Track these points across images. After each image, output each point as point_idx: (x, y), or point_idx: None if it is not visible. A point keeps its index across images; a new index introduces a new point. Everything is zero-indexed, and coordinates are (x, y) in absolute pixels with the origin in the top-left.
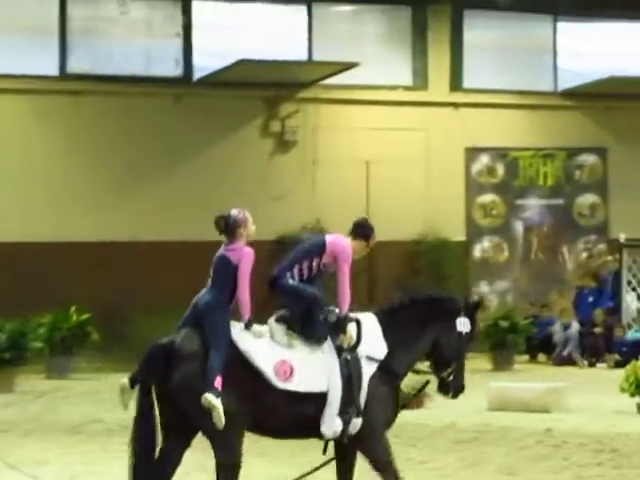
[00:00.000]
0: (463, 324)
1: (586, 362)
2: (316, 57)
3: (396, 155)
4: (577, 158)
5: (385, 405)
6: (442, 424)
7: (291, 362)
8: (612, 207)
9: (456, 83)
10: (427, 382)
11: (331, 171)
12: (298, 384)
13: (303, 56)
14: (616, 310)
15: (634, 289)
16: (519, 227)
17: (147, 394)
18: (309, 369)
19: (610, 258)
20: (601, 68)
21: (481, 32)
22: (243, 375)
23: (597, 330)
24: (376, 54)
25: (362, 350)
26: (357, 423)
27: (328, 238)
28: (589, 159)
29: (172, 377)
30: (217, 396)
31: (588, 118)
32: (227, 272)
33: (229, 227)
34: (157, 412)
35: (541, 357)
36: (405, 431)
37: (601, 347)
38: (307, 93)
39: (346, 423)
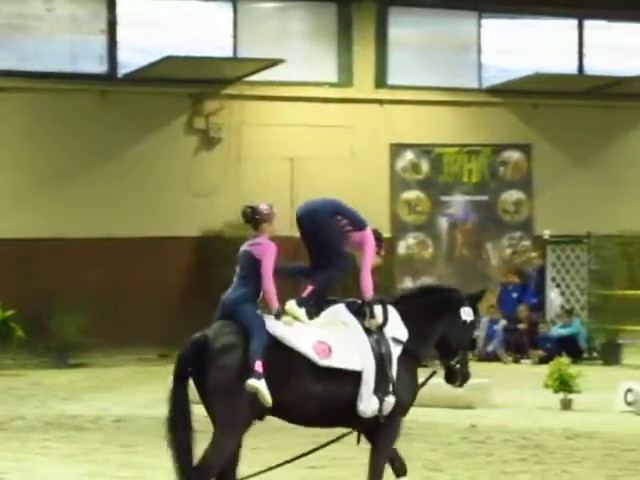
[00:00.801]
0: (467, 313)
1: (510, 358)
2: (241, 54)
3: (321, 152)
4: (502, 154)
5: (409, 388)
6: None
7: (328, 342)
8: (536, 204)
9: (381, 80)
10: (434, 372)
11: (256, 168)
12: (339, 360)
13: (228, 53)
14: (540, 306)
15: (558, 285)
16: (444, 223)
17: (182, 390)
18: (345, 348)
19: (534, 254)
20: (526, 65)
21: (406, 29)
22: (277, 360)
23: (521, 326)
24: (301, 51)
25: (388, 331)
26: (390, 402)
27: (369, 227)
28: (514, 155)
29: (208, 371)
30: (259, 379)
31: (513, 115)
32: (251, 268)
33: (255, 220)
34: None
35: None
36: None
37: (525, 343)
38: (232, 90)
39: (381, 401)
